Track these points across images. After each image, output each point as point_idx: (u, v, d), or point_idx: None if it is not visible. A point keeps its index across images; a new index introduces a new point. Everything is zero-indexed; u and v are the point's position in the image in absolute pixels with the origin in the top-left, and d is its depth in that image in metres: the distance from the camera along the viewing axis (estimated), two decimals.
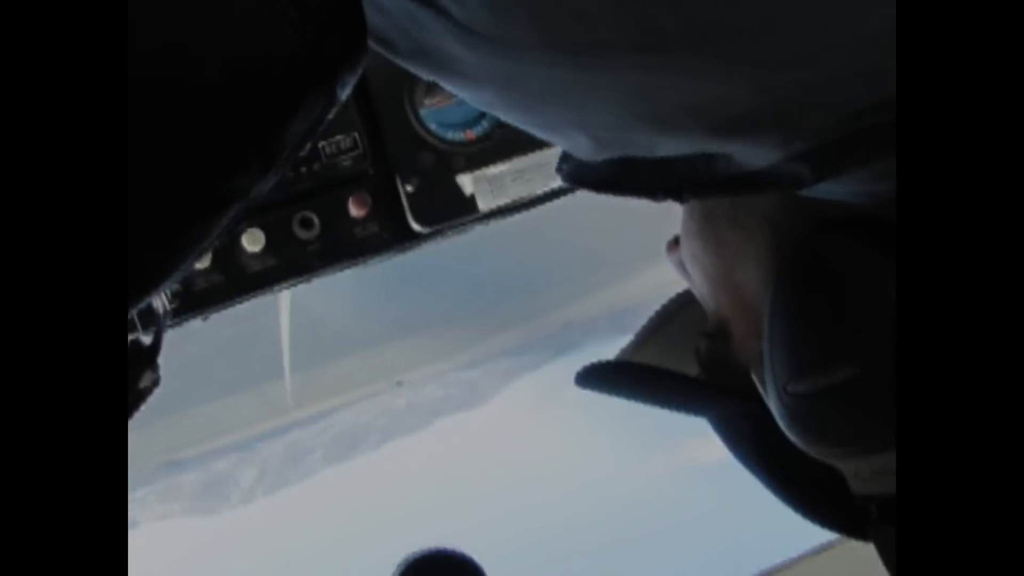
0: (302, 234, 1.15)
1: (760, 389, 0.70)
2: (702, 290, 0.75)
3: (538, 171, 1.18)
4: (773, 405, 0.67)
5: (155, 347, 0.83)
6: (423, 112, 1.15)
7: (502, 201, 1.18)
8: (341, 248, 1.17)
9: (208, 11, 0.49)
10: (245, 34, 0.51)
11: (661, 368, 0.75)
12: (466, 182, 1.17)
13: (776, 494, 0.76)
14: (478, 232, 1.23)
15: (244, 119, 0.53)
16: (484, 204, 1.18)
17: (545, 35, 0.55)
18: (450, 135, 1.16)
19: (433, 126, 1.15)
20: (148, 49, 0.48)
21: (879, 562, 0.70)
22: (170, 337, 1.03)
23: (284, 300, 1.94)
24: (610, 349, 0.82)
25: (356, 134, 1.15)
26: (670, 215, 0.74)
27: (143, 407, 0.84)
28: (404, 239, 1.18)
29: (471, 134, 1.16)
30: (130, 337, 0.97)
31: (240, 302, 1.16)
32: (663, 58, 0.54)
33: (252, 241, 1.13)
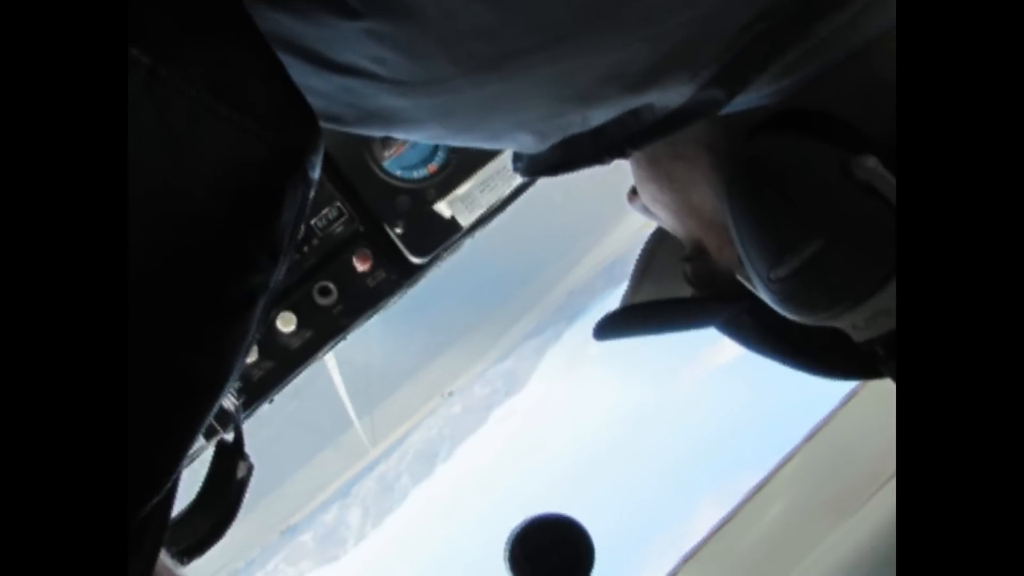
0: (324, 301, 1.15)
1: (748, 286, 0.70)
2: (670, 223, 0.75)
3: (499, 177, 1.18)
4: (764, 295, 0.67)
5: (239, 440, 0.83)
6: (386, 164, 1.15)
7: (478, 212, 1.19)
8: (360, 302, 1.17)
9: (178, 146, 0.49)
10: (216, 155, 0.51)
11: (661, 300, 0.76)
12: (443, 208, 1.17)
13: (793, 367, 0.76)
14: (468, 245, 1.23)
15: (241, 226, 0.53)
16: (464, 220, 1.18)
17: (463, 64, 0.55)
18: (415, 174, 1.16)
19: (398, 172, 1.16)
20: (138, 195, 0.48)
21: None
22: (248, 427, 1.04)
23: (330, 362, 1.94)
24: (612, 300, 0.82)
25: (338, 203, 1.15)
26: (621, 172, 0.74)
27: (248, 492, 0.85)
28: (409, 274, 1.19)
29: (432, 167, 1.16)
30: (215, 438, 0.98)
31: (294, 377, 1.17)
32: (568, 46, 0.54)
33: (285, 323, 1.14)
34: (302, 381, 1.19)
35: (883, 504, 0.89)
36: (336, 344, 1.19)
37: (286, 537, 2.90)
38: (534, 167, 0.70)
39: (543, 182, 1.09)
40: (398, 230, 1.16)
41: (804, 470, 1.14)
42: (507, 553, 1.14)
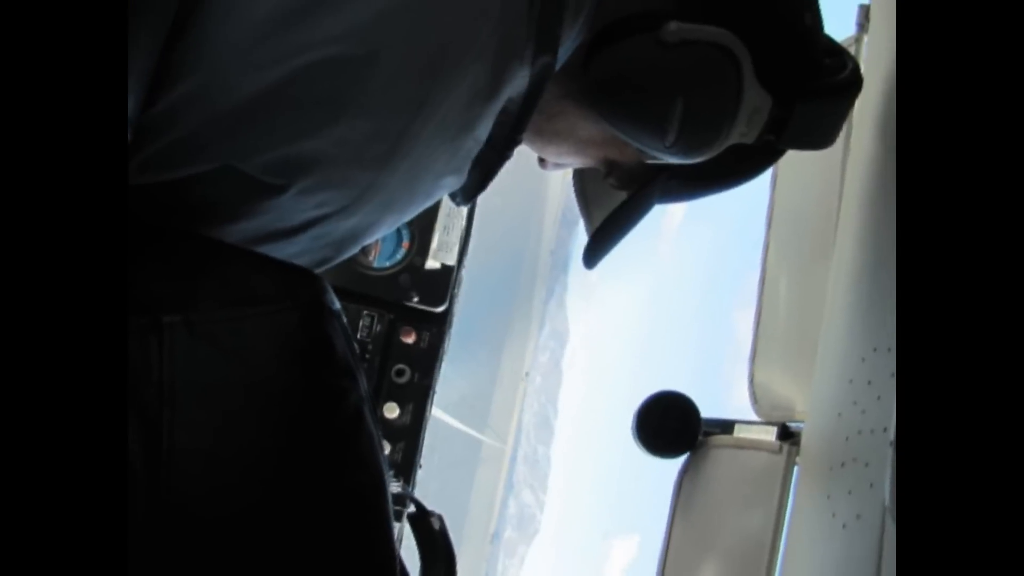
0: (404, 379, 1.17)
1: (658, 163, 0.70)
2: (579, 162, 0.75)
3: (451, 217, 1.19)
4: (672, 160, 0.68)
5: (420, 507, 0.84)
6: (375, 264, 1.17)
7: (456, 249, 1.20)
8: (427, 362, 1.19)
9: (239, 356, 0.50)
10: (266, 342, 0.51)
11: (610, 213, 0.76)
12: (432, 263, 1.19)
13: (724, 190, 0.76)
14: (466, 275, 1.24)
15: (316, 372, 0.53)
16: (451, 261, 1.20)
17: (374, 165, 0.56)
18: (399, 256, 1.18)
19: (387, 263, 1.17)
20: (242, 407, 0.48)
21: (803, 156, 0.71)
22: (419, 493, 1.04)
23: (437, 412, 1.96)
24: (581, 237, 0.82)
25: (365, 311, 1.17)
26: (526, 155, 0.74)
27: (451, 534, 0.85)
28: (443, 322, 1.21)
29: (405, 243, 1.18)
30: (404, 517, 0.99)
31: (422, 441, 1.18)
32: (430, 104, 0.54)
33: (390, 411, 1.16)
34: (429, 439, 1.20)
35: (847, 228, 0.89)
36: (432, 400, 1.20)
37: (495, 543, 2.92)
38: (468, 193, 0.70)
39: (482, 198, 1.09)
40: (415, 299, 1.18)
41: (781, 243, 1.14)
42: (636, 438, 1.15)
